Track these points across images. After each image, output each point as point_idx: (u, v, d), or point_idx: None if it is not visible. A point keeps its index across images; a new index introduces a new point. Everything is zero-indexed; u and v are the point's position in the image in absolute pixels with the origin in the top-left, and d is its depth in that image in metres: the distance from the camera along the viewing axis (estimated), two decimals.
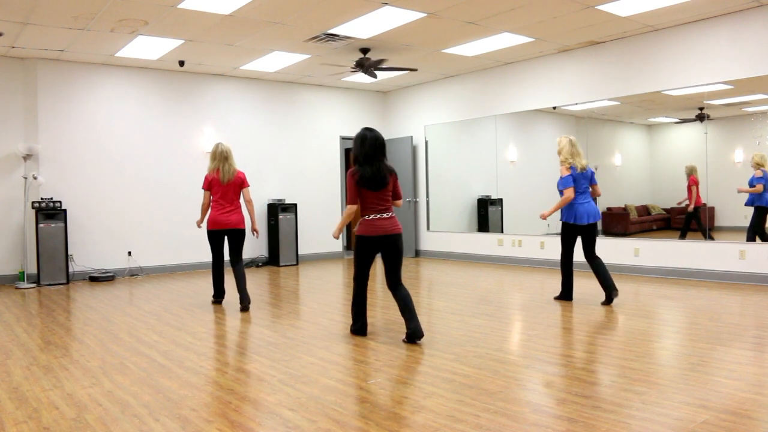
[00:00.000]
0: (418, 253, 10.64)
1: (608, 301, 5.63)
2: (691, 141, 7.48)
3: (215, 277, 6.11)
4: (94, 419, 2.97)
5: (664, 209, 7.93)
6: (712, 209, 7.29)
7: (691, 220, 7.46)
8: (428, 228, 10.53)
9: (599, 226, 8.32)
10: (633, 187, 8.18)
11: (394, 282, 4.47)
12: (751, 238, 6.82)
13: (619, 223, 8.33)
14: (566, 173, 5.59)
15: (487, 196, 9.72)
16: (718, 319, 4.96)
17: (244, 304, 5.75)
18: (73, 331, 5.08)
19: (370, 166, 4.38)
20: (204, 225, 6.01)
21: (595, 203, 5.78)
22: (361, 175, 4.36)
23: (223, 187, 5.81)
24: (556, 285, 6.90)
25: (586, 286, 6.59)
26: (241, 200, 5.99)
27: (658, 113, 8.15)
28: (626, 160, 8.45)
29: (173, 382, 3.57)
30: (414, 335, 4.32)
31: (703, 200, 7.25)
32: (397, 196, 4.53)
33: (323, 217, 10.51)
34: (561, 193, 5.64)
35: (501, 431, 2.72)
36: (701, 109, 7.26)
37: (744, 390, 3.20)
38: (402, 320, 4.72)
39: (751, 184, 6.88)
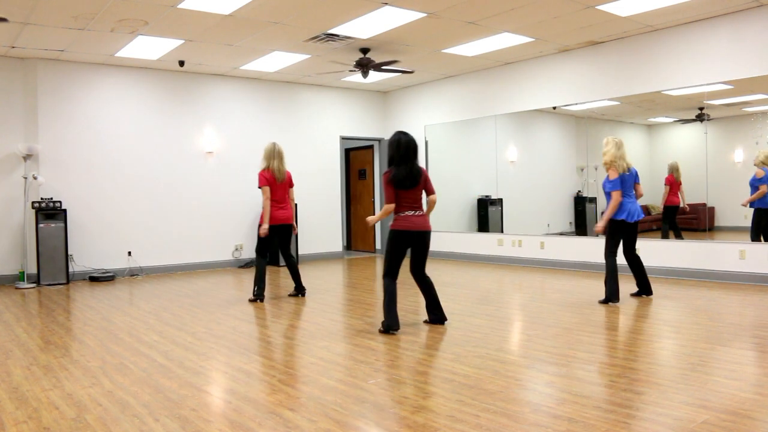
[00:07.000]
0: None
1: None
2: (691, 141, 7.48)
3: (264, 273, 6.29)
4: (94, 419, 2.97)
5: None
6: (712, 209, 7.29)
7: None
8: None
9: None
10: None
11: (420, 272, 4.90)
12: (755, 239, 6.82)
13: None
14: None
15: (487, 196, 9.71)
16: (718, 319, 4.96)
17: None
18: (73, 331, 5.08)
19: (405, 166, 4.68)
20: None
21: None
22: (394, 175, 4.66)
23: (279, 185, 6.09)
24: (556, 285, 6.90)
25: (590, 285, 6.57)
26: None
27: (658, 113, 8.14)
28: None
29: (173, 382, 3.57)
30: (438, 320, 4.92)
31: (700, 200, 7.30)
32: (429, 191, 4.86)
33: (323, 217, 10.52)
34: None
35: (501, 431, 2.72)
36: (701, 109, 7.26)
37: (744, 390, 3.20)
38: (404, 315, 4.73)
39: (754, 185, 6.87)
